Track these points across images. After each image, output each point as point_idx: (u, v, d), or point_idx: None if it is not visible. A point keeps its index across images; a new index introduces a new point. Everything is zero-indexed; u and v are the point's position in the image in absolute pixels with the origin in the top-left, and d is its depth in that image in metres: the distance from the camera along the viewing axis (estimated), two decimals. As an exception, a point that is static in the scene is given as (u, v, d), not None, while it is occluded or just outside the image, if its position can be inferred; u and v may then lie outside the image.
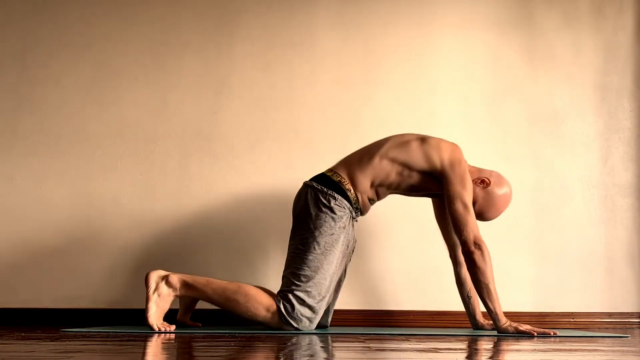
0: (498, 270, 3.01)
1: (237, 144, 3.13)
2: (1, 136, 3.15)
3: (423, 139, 2.53)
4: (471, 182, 2.45)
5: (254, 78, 3.17)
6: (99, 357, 1.46)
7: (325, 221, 2.40)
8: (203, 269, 2.96)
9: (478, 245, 2.34)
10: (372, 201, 2.53)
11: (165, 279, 2.41)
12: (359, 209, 2.49)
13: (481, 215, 2.53)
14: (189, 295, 2.47)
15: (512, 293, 3.02)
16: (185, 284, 2.41)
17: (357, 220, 2.55)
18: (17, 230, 3.08)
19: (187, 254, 3.05)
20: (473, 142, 3.13)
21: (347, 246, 2.49)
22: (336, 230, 2.41)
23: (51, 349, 1.62)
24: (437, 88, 3.17)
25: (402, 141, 2.52)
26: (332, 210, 2.41)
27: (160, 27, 3.21)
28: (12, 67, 3.20)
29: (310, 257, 2.37)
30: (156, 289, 2.39)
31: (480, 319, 2.68)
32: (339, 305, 3.00)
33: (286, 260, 2.46)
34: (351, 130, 3.13)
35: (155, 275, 2.41)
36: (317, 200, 2.42)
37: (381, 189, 2.51)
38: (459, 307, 2.79)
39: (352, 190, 2.45)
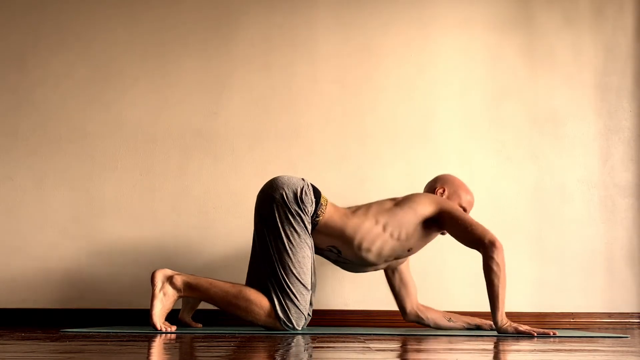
0: (498, 271, 3.01)
1: (237, 144, 3.13)
2: (1, 136, 3.15)
3: (397, 201, 2.57)
4: (451, 202, 2.54)
5: (254, 78, 3.17)
6: (99, 358, 1.46)
7: (299, 216, 2.43)
8: (203, 270, 2.96)
9: (494, 244, 2.37)
10: (333, 251, 2.54)
11: (170, 279, 2.44)
12: (310, 237, 2.50)
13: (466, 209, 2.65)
14: (191, 296, 2.50)
15: (512, 293, 3.01)
16: (188, 286, 2.44)
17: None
18: (17, 230, 3.08)
19: (187, 254, 3.05)
20: (473, 143, 3.13)
21: (312, 248, 2.49)
22: (305, 229, 2.44)
23: (51, 349, 1.62)
24: (437, 88, 3.17)
25: (381, 208, 2.54)
26: (305, 211, 2.44)
27: (160, 28, 3.21)
28: (12, 67, 3.20)
29: (290, 256, 2.40)
30: (162, 287, 2.42)
31: (478, 319, 2.68)
32: (339, 305, 3.01)
33: (264, 255, 2.45)
34: (351, 130, 3.13)
35: (161, 274, 2.44)
36: (300, 196, 2.43)
37: (367, 253, 2.50)
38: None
39: (320, 217, 2.47)
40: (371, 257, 2.49)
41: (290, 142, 3.13)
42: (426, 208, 2.50)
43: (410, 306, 2.70)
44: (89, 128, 3.15)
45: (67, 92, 3.18)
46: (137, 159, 3.13)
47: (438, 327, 2.68)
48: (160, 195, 3.10)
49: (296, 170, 3.08)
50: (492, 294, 2.35)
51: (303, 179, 2.50)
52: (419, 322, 2.70)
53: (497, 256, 2.35)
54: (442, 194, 2.62)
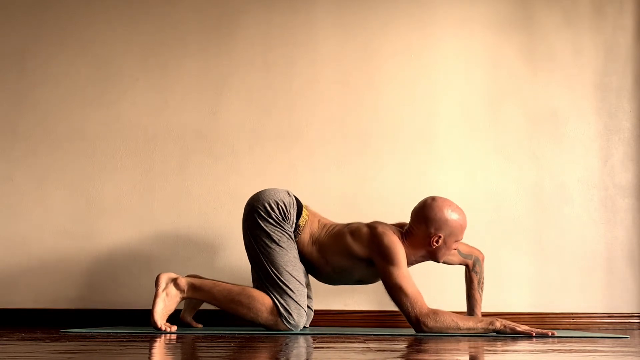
0: (498, 271, 3.02)
1: (237, 144, 3.13)
2: (1, 136, 3.15)
3: (340, 233, 2.51)
4: (399, 252, 2.39)
5: (254, 78, 3.17)
6: (99, 358, 1.46)
7: (283, 223, 2.48)
8: (203, 270, 2.96)
9: (423, 320, 2.30)
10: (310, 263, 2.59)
11: (174, 281, 2.47)
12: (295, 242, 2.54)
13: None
14: (195, 298, 2.51)
15: (511, 293, 3.02)
16: (192, 287, 2.47)
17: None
18: (17, 230, 3.08)
19: (187, 254, 3.05)
20: (473, 143, 3.13)
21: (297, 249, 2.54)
22: (291, 234, 2.50)
23: (51, 349, 1.62)
24: (437, 88, 3.17)
25: (330, 235, 2.54)
26: (287, 219, 2.49)
27: (160, 27, 3.21)
28: (12, 67, 3.20)
29: (281, 257, 2.45)
30: (165, 288, 2.46)
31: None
32: (339, 305, 3.01)
33: (256, 260, 2.49)
34: (351, 130, 3.13)
35: (165, 277, 2.48)
36: (285, 206, 2.49)
37: (322, 278, 2.60)
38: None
39: (299, 234, 2.52)
40: (323, 280, 2.61)
41: (290, 142, 3.13)
42: (358, 250, 2.45)
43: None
44: (89, 128, 3.15)
45: (67, 92, 3.18)
46: (137, 159, 3.13)
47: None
48: (160, 195, 3.10)
49: (296, 170, 3.08)
50: (464, 333, 2.30)
51: (288, 193, 2.56)
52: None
53: (429, 322, 2.29)
54: (437, 241, 2.43)
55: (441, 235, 2.42)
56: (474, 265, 2.71)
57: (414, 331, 2.38)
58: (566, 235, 3.08)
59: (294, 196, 2.56)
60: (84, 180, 3.11)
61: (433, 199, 2.46)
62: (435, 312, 2.30)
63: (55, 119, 3.16)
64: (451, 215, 2.42)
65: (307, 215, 2.54)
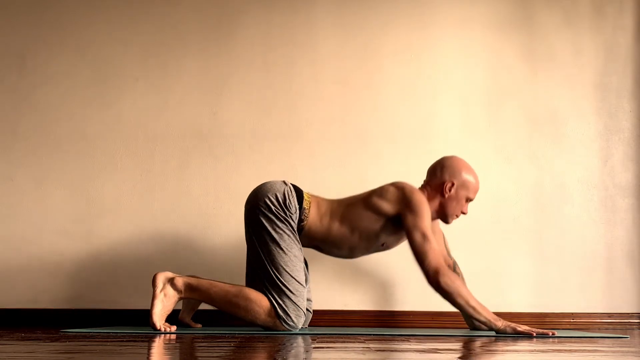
0: (498, 271, 3.02)
1: (237, 145, 3.13)
2: (1, 136, 3.15)
3: (365, 197, 2.55)
4: (426, 208, 2.45)
5: (254, 78, 3.17)
6: (99, 358, 1.46)
7: (285, 221, 2.47)
8: (203, 270, 2.96)
9: (441, 273, 2.34)
10: (318, 249, 2.62)
11: (171, 281, 2.46)
12: (298, 239, 2.53)
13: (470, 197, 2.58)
14: (192, 298, 2.50)
15: (511, 293, 3.02)
16: (189, 287, 2.46)
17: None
18: (17, 230, 3.09)
19: (187, 255, 3.05)
20: (473, 143, 3.13)
21: (300, 249, 2.53)
22: (293, 230, 2.49)
23: (51, 349, 1.62)
24: (437, 88, 3.17)
25: (350, 203, 2.56)
26: (290, 215, 2.47)
27: (160, 27, 3.21)
28: (12, 67, 3.20)
29: (282, 256, 2.44)
30: (163, 289, 2.45)
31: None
32: (339, 305, 3.01)
33: (256, 258, 2.48)
34: (351, 130, 3.13)
35: (162, 277, 2.46)
36: (284, 200, 2.47)
37: (342, 252, 2.59)
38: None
39: (304, 222, 2.51)
40: (345, 254, 2.60)
41: (290, 142, 3.13)
42: (387, 207, 2.49)
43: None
44: (89, 128, 3.15)
45: (67, 92, 3.18)
46: (137, 159, 3.13)
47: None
48: (160, 195, 3.10)
49: (296, 170, 3.08)
50: (468, 312, 2.35)
51: (284, 182, 2.54)
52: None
53: (447, 279, 2.33)
54: (450, 189, 2.53)
55: (454, 182, 2.52)
56: (454, 266, 2.72)
57: (414, 332, 2.38)
58: (566, 235, 3.08)
59: (291, 184, 2.55)
60: (84, 180, 3.11)
61: (450, 155, 2.63)
62: (454, 275, 2.35)
63: (55, 119, 3.16)
64: (465, 167, 2.55)
65: (309, 197, 2.54)
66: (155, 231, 3.07)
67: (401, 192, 2.48)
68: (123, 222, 3.08)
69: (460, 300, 2.33)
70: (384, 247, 2.61)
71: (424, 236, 2.40)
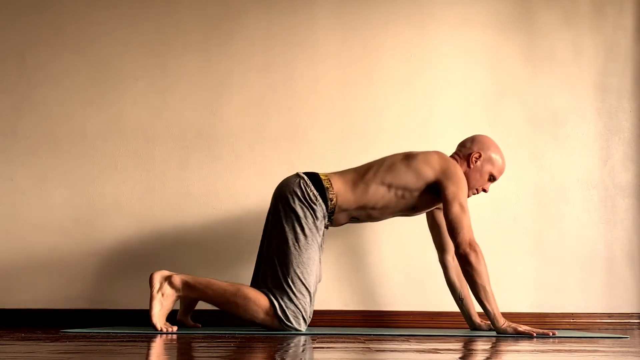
0: (498, 271, 3.02)
1: (237, 144, 3.13)
2: (1, 136, 3.15)
3: (407, 157, 2.56)
4: (465, 182, 2.50)
5: (253, 78, 3.17)
6: (99, 358, 1.46)
7: (307, 218, 2.44)
8: (203, 270, 2.96)
9: (473, 247, 2.38)
10: (353, 220, 2.60)
11: (168, 279, 2.44)
12: (331, 220, 2.54)
13: (495, 176, 2.62)
14: (190, 296, 2.49)
15: (511, 293, 3.02)
16: (187, 285, 2.44)
17: (327, 228, 2.57)
18: (17, 230, 3.09)
19: (187, 255, 3.05)
20: (473, 143, 3.13)
21: (321, 246, 2.52)
22: (314, 228, 2.45)
23: (51, 349, 1.62)
24: (437, 88, 3.17)
25: (389, 164, 2.55)
26: (313, 209, 2.45)
27: (160, 27, 3.21)
28: (12, 67, 3.20)
29: (295, 257, 2.41)
30: (160, 288, 2.43)
31: (477, 319, 2.70)
32: (339, 305, 3.01)
33: (268, 256, 2.46)
34: (351, 130, 3.13)
35: (159, 276, 2.45)
36: (303, 195, 2.46)
37: (375, 212, 2.56)
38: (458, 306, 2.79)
39: (333, 200, 2.48)
40: (376, 214, 2.56)
41: (290, 142, 3.13)
42: (429, 172, 2.50)
43: (441, 249, 2.76)
44: (89, 128, 3.15)
45: (67, 92, 3.18)
46: (137, 159, 3.13)
47: (453, 291, 2.72)
48: (160, 195, 3.10)
49: (296, 170, 3.07)
50: (480, 295, 2.37)
51: (297, 174, 2.53)
52: (445, 269, 2.74)
53: (477, 255, 2.37)
54: (477, 159, 2.58)
55: (482, 154, 2.59)
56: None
57: (414, 332, 2.38)
58: (566, 235, 3.08)
59: (303, 173, 2.54)
60: (84, 180, 3.11)
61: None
62: (482, 256, 2.39)
63: (55, 119, 3.16)
64: (495, 146, 2.63)
65: (324, 175, 2.53)
66: (155, 231, 3.07)
67: (445, 162, 2.51)
68: (123, 222, 3.08)
69: (479, 280, 2.36)
70: (414, 210, 2.58)
71: (462, 208, 2.43)
